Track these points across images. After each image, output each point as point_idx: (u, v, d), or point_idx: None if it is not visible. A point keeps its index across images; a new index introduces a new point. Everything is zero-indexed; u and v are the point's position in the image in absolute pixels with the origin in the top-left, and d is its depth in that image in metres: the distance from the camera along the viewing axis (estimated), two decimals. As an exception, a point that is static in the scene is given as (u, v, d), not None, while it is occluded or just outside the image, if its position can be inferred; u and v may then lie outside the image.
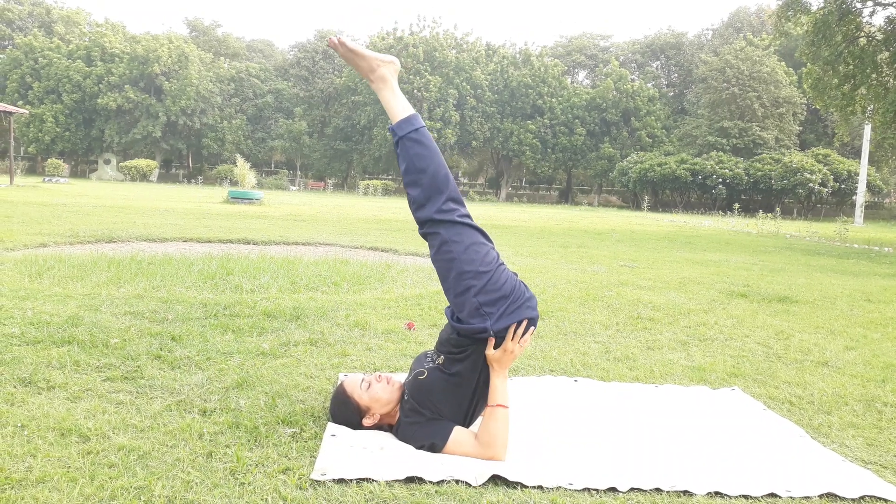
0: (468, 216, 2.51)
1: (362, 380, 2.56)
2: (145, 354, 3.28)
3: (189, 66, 53.48)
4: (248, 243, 9.23)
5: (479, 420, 2.51)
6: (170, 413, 2.56)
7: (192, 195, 27.00)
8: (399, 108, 2.55)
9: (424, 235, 2.52)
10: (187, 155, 59.78)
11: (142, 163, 50.34)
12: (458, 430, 2.39)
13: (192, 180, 55.11)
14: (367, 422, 2.51)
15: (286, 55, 65.41)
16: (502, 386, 2.42)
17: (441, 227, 2.45)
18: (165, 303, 4.47)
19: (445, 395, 2.44)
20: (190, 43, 56.62)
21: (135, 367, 3.09)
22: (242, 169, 24.80)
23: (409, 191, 2.50)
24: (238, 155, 36.01)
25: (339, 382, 2.64)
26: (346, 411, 2.52)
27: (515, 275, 2.57)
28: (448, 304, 2.54)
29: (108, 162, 54.22)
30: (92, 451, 2.18)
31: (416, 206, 2.48)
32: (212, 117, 55.13)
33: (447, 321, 2.57)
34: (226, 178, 46.68)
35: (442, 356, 2.50)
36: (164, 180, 54.61)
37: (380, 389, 2.52)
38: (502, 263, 2.53)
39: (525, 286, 2.54)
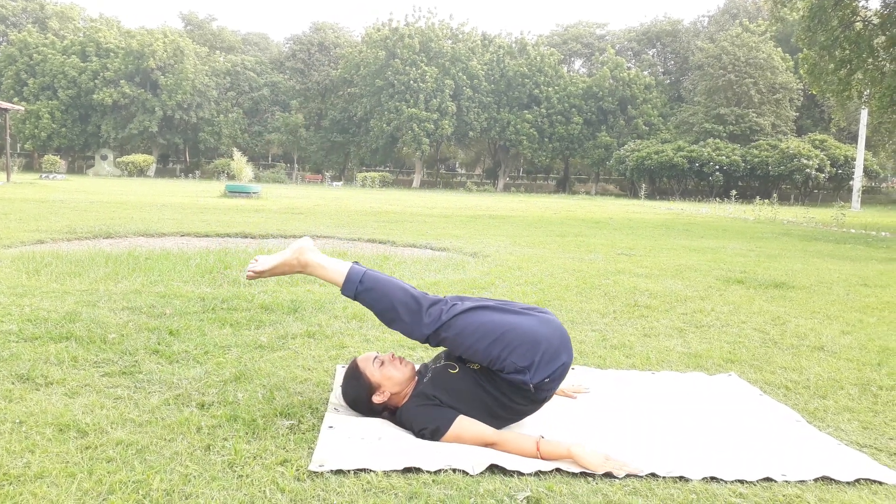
0: (455, 305, 2.55)
1: (375, 357, 2.60)
2: (143, 349, 3.28)
3: (184, 61, 53.32)
4: (246, 237, 9.23)
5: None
6: (168, 407, 2.57)
7: (190, 189, 26.96)
8: (336, 275, 2.61)
9: (436, 346, 2.59)
10: (184, 149, 59.67)
11: (139, 158, 50.25)
12: (463, 418, 2.40)
13: (190, 175, 55.05)
14: (376, 399, 2.54)
15: (281, 48, 65.20)
16: (560, 452, 2.27)
17: (441, 332, 2.49)
18: (163, 297, 4.47)
19: (470, 397, 2.45)
20: (185, 37, 56.43)
21: (133, 361, 3.09)
22: (239, 163, 24.83)
23: (393, 328, 2.57)
24: (235, 149, 36.03)
25: (351, 361, 2.67)
26: (358, 387, 2.55)
27: (543, 312, 2.57)
28: None
29: (104, 157, 54.11)
30: (90, 445, 2.19)
31: (409, 336, 2.56)
32: (208, 111, 55.00)
33: None
34: (223, 172, 46.60)
35: (477, 364, 2.51)
36: (161, 175, 54.54)
37: (393, 369, 2.56)
38: (521, 312, 2.53)
39: (555, 321, 2.54)
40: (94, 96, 51.53)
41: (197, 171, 55.72)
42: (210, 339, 3.52)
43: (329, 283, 2.64)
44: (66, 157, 55.45)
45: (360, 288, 2.55)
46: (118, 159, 51.25)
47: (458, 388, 2.46)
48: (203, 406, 2.59)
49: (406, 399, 2.54)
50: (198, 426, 2.38)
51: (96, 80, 51.94)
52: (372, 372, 2.54)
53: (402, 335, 2.62)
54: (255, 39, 70.46)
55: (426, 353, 3.48)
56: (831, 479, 2.17)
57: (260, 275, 2.70)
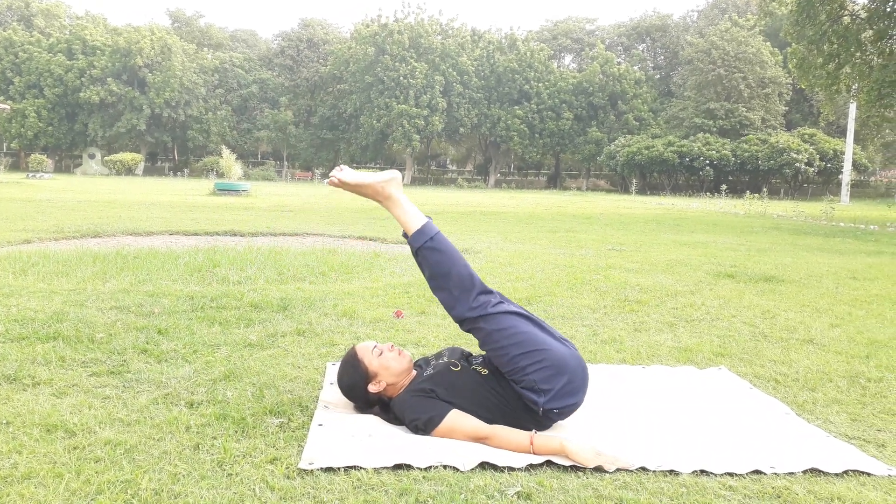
0: (501, 302, 2.55)
1: (374, 346, 2.59)
2: (131, 348, 3.26)
3: (172, 58, 52.96)
4: (235, 235, 9.20)
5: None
6: (156, 406, 2.55)
7: (178, 188, 26.83)
8: (412, 220, 2.60)
9: (467, 331, 2.57)
10: (172, 147, 59.35)
11: (127, 156, 49.92)
12: (457, 412, 2.39)
13: (178, 173, 54.75)
14: (372, 388, 2.53)
15: (270, 45, 64.90)
16: (554, 446, 2.26)
17: (480, 321, 2.49)
18: (151, 296, 4.45)
19: (470, 396, 2.44)
20: (172, 34, 56.06)
21: (121, 361, 3.07)
22: (228, 160, 24.70)
23: (436, 294, 2.57)
24: (224, 146, 35.81)
25: (350, 348, 2.66)
26: (354, 374, 2.54)
27: (574, 347, 2.58)
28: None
29: (92, 156, 53.70)
30: (78, 446, 2.17)
31: (447, 308, 2.55)
32: (196, 109, 54.69)
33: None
34: (212, 169, 46.31)
35: (486, 370, 2.51)
36: (149, 174, 54.21)
37: (391, 359, 2.55)
38: (559, 339, 2.54)
39: (584, 362, 2.55)
40: (81, 94, 51.12)
41: (185, 170, 55.41)
42: (199, 338, 3.50)
43: (400, 224, 2.62)
44: (53, 156, 55.02)
45: (428, 244, 2.54)
46: (106, 158, 50.88)
47: (459, 386, 2.45)
48: (192, 405, 2.58)
49: (402, 391, 2.53)
50: (187, 425, 2.37)
51: (83, 79, 51.51)
52: (370, 360, 2.54)
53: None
54: (243, 36, 70.10)
55: (416, 351, 3.47)
56: (820, 471, 2.17)
57: (342, 184, 2.62)
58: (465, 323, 2.52)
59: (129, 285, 4.87)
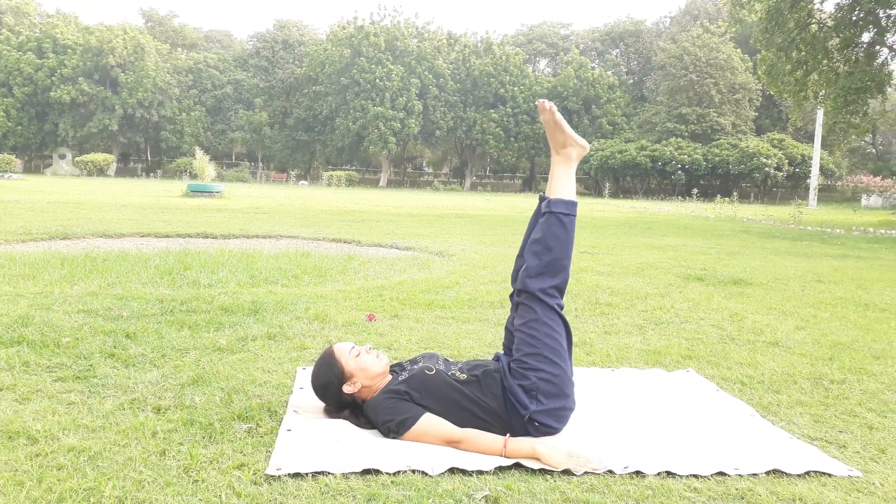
0: (563, 307, 2.60)
1: (352, 347, 2.57)
2: (98, 353, 3.21)
3: (145, 58, 52.31)
4: (207, 237, 9.10)
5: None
6: (122, 412, 2.52)
7: (151, 189, 26.49)
8: (567, 188, 2.67)
9: (516, 304, 2.60)
10: (145, 148, 58.59)
11: (98, 157, 49.17)
12: (430, 416, 2.38)
13: (151, 174, 54.03)
14: (346, 388, 2.51)
15: (245, 45, 64.38)
16: (526, 450, 2.27)
17: (538, 305, 2.53)
18: (120, 300, 4.39)
19: (445, 399, 2.43)
20: (146, 34, 55.38)
21: (87, 366, 3.03)
22: (202, 162, 24.45)
23: (525, 256, 2.61)
24: (197, 147, 35.43)
25: (327, 347, 2.65)
26: (329, 374, 2.52)
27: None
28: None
29: (62, 157, 52.81)
30: (40, 453, 2.13)
31: (524, 274, 2.57)
32: (170, 109, 54.07)
33: (494, 362, 2.63)
34: (185, 171, 45.82)
35: (465, 374, 2.51)
36: (121, 174, 53.42)
37: (369, 360, 2.53)
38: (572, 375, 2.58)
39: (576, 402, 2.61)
40: (52, 94, 50.26)
41: (158, 171, 54.71)
42: (168, 342, 3.46)
43: (552, 183, 2.72)
44: (22, 157, 53.99)
45: (563, 217, 2.59)
46: (77, 158, 50.05)
47: (434, 390, 2.44)
48: (159, 410, 2.55)
49: (376, 393, 2.52)
50: (153, 431, 2.34)
51: (53, 78, 50.65)
52: (347, 361, 2.52)
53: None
54: (217, 37, 69.50)
55: (388, 355, 3.47)
56: (783, 472, 2.21)
57: (551, 113, 2.65)
58: (525, 295, 2.56)
59: (97, 288, 4.79)
